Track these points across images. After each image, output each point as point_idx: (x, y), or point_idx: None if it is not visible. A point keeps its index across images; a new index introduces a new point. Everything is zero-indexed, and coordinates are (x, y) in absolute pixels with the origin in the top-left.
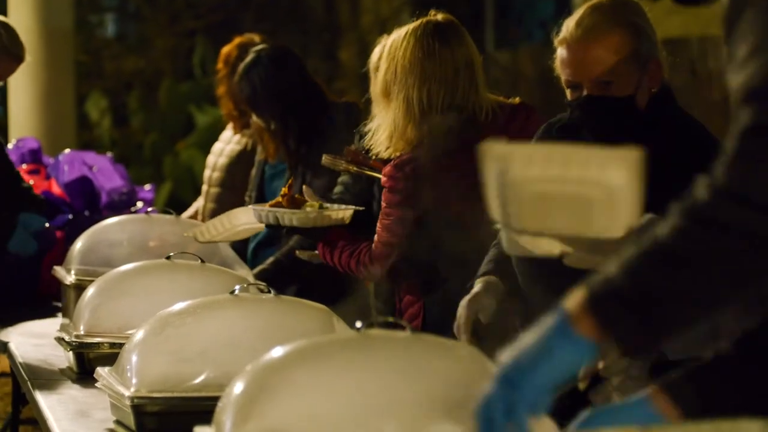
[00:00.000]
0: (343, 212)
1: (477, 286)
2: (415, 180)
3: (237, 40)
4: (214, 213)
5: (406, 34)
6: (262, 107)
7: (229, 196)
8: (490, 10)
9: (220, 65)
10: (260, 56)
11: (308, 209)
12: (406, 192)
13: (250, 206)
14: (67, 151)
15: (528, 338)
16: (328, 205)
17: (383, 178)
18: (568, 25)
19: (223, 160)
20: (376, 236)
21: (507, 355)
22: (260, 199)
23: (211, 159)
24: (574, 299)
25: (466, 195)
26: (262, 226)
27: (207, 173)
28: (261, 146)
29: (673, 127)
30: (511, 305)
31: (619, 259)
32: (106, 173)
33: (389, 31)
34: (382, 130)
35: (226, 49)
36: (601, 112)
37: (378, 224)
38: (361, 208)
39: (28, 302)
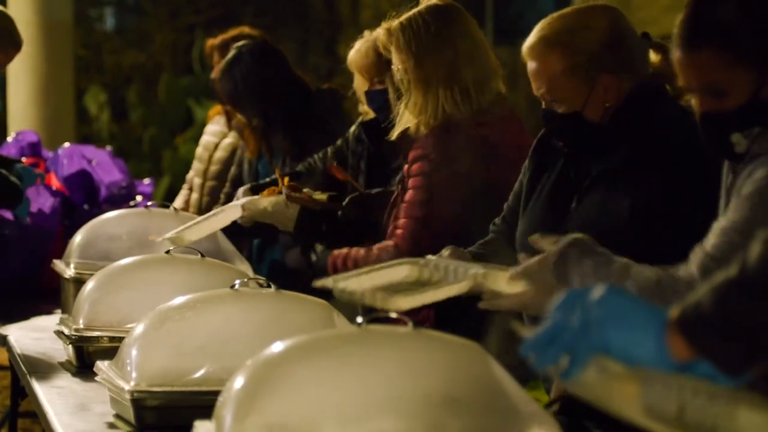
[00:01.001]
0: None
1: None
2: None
3: (221, 36)
4: (210, 206)
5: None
6: (243, 104)
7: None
8: (490, 4)
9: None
10: (241, 53)
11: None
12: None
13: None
14: (66, 144)
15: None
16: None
17: (415, 152)
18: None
19: (220, 154)
20: (402, 213)
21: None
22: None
23: (203, 153)
24: (672, 313)
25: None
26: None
27: (200, 166)
28: (243, 142)
29: (634, 141)
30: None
31: (710, 284)
32: (105, 167)
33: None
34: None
35: (209, 43)
36: (553, 127)
37: (405, 203)
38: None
39: (29, 296)
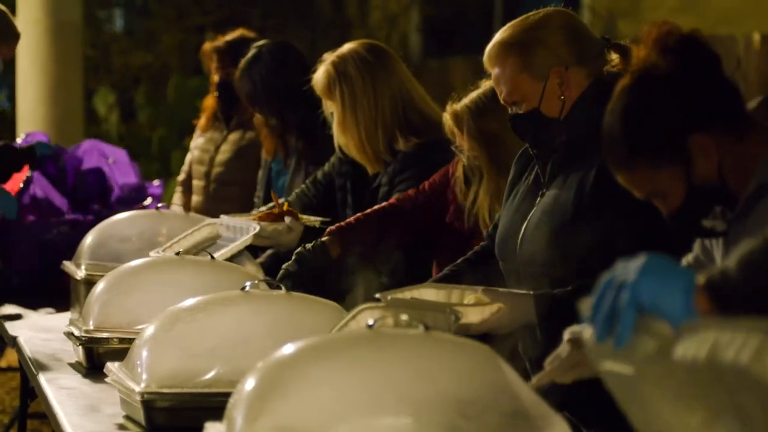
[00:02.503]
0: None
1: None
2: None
3: (221, 39)
4: (216, 209)
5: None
6: (261, 103)
7: (232, 192)
8: (499, 7)
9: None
10: (261, 52)
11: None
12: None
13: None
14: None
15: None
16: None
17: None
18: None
19: (224, 156)
20: None
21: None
22: (268, 198)
23: (202, 155)
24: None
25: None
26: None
27: (201, 168)
28: (261, 140)
29: (584, 135)
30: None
31: (736, 254)
32: (122, 167)
33: (398, 28)
34: None
35: (206, 47)
36: (518, 128)
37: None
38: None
39: (39, 297)
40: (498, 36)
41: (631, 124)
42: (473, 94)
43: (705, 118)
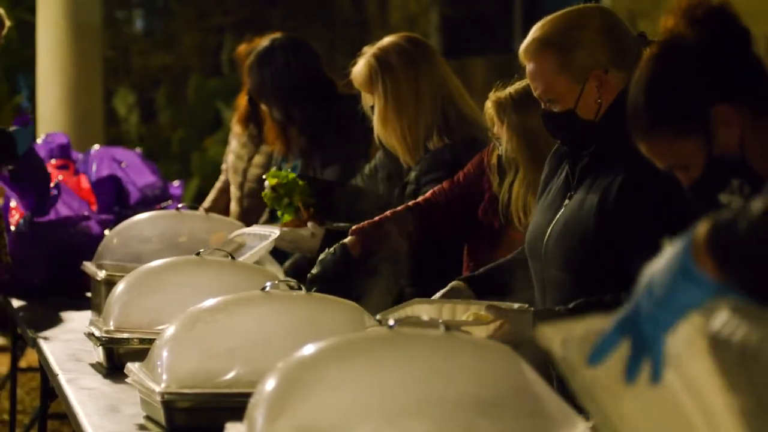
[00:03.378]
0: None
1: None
2: None
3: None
4: (250, 222)
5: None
6: (268, 96)
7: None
8: (519, 7)
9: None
10: (273, 46)
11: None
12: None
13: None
14: (96, 147)
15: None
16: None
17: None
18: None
19: (256, 171)
20: None
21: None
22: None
23: (236, 162)
24: (698, 235)
25: None
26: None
27: (237, 178)
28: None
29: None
30: None
31: (743, 211)
32: (136, 168)
33: (417, 28)
34: None
35: (241, 49)
36: (550, 126)
37: None
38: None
39: (59, 298)
40: (536, 32)
41: (654, 93)
42: (518, 85)
43: (729, 90)
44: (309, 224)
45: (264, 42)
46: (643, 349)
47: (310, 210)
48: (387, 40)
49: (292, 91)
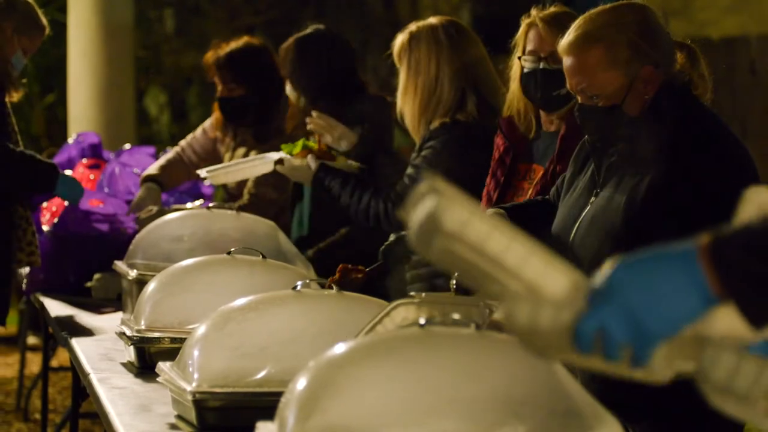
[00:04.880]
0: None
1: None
2: None
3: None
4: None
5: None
6: (296, 84)
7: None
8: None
9: None
10: (315, 33)
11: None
12: None
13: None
14: (127, 146)
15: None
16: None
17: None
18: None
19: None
20: None
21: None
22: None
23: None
24: (702, 244)
25: None
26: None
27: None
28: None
29: (665, 132)
30: None
31: (745, 225)
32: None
33: None
34: None
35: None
36: (589, 121)
37: None
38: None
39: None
40: (580, 27)
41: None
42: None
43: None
44: (308, 157)
45: (307, 30)
46: (621, 340)
47: (323, 145)
48: (429, 19)
49: (322, 82)
